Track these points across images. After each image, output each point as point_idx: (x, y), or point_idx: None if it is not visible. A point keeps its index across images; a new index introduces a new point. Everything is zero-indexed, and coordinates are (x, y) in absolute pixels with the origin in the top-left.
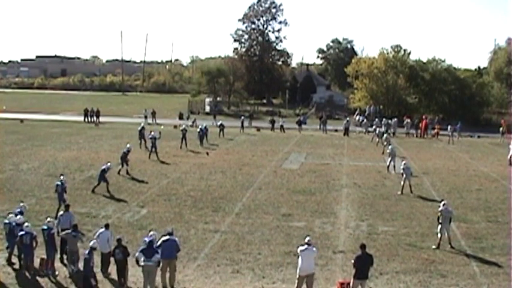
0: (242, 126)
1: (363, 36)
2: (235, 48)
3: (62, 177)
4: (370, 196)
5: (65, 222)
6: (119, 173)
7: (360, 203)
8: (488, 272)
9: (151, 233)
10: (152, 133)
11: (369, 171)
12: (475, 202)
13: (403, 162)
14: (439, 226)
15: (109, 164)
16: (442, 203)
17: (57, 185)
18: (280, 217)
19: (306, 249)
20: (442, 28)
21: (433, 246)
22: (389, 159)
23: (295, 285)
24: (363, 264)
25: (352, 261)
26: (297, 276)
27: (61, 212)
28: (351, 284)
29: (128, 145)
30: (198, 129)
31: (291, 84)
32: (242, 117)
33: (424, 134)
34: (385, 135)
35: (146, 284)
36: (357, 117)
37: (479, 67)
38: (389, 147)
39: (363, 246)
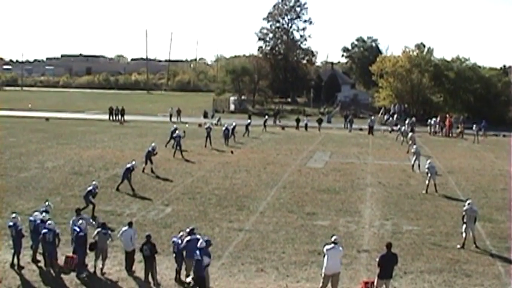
0: (265, 125)
1: (387, 34)
2: (260, 47)
3: (94, 182)
4: (395, 195)
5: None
6: (143, 171)
7: (384, 202)
8: None
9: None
10: (177, 131)
11: (394, 170)
12: (500, 202)
13: (428, 161)
14: (464, 226)
15: (134, 162)
16: (467, 202)
17: (89, 191)
18: (305, 216)
19: (332, 248)
20: (466, 26)
21: (458, 246)
22: (414, 158)
23: (321, 284)
24: (388, 264)
25: (377, 260)
26: (323, 275)
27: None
28: (375, 283)
29: (153, 144)
30: (224, 128)
31: (315, 82)
32: (266, 116)
33: (449, 133)
34: (410, 134)
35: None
36: (385, 117)
37: (504, 66)
38: (414, 146)
39: (389, 245)
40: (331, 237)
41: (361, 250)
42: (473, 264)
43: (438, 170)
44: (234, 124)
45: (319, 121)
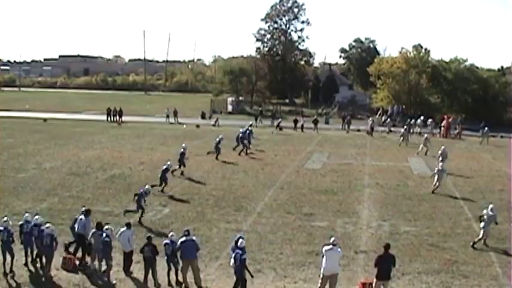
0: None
1: (385, 35)
2: (258, 48)
3: (146, 186)
4: (393, 196)
5: (81, 227)
6: (182, 173)
7: (382, 203)
8: (511, 273)
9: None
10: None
11: (392, 171)
12: (498, 203)
13: (440, 164)
14: (483, 224)
15: (169, 162)
16: (490, 207)
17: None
18: (302, 217)
19: (331, 249)
20: (464, 28)
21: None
22: (440, 159)
23: (319, 284)
24: (385, 265)
25: (374, 261)
26: (321, 275)
27: (81, 216)
28: (373, 284)
29: (184, 144)
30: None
31: (313, 83)
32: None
33: (447, 134)
34: (425, 135)
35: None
36: (382, 118)
37: (502, 67)
38: (442, 147)
39: (386, 246)
40: (330, 238)
41: (359, 251)
42: (470, 265)
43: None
44: (249, 127)
45: (316, 122)
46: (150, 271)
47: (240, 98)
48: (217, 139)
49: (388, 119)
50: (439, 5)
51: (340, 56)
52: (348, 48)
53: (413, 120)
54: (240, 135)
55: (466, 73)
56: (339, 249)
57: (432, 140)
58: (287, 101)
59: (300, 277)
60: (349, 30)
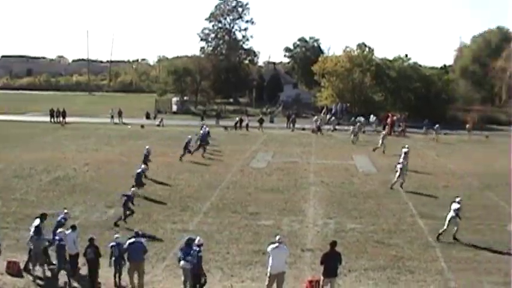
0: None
1: (329, 34)
2: (202, 47)
3: (133, 189)
4: (338, 194)
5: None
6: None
7: (327, 201)
8: (455, 267)
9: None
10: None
11: (337, 169)
12: (442, 199)
13: (401, 160)
14: (449, 217)
15: (143, 166)
16: (457, 200)
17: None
18: (248, 216)
19: (276, 247)
20: (408, 27)
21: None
22: (403, 156)
23: (266, 283)
24: (332, 262)
25: (320, 258)
26: (268, 274)
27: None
28: (320, 282)
29: (147, 146)
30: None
31: (258, 83)
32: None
33: (391, 132)
34: (383, 132)
35: (186, 285)
36: (327, 116)
37: (444, 65)
38: (406, 145)
39: (332, 244)
40: (275, 236)
41: (305, 249)
42: (416, 261)
43: (381, 168)
44: (206, 129)
45: (261, 121)
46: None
47: (185, 97)
48: (186, 140)
49: (333, 118)
50: (383, 4)
51: (285, 55)
52: (292, 47)
53: (357, 118)
54: (200, 136)
55: (409, 71)
56: (285, 247)
57: (376, 138)
58: (231, 100)
59: (247, 276)
60: (294, 29)
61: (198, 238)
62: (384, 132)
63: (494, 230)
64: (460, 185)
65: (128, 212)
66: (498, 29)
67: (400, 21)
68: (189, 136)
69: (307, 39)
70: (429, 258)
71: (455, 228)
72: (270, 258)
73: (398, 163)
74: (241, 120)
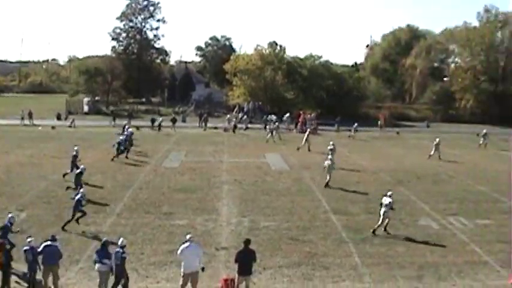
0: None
1: (241, 33)
2: (113, 47)
3: (82, 190)
4: (251, 192)
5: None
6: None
7: (241, 199)
8: (369, 262)
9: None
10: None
11: (249, 167)
12: (354, 195)
13: (329, 157)
14: (382, 211)
15: (82, 166)
16: (389, 193)
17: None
18: (162, 216)
19: (188, 246)
20: (319, 25)
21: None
22: (330, 153)
23: (180, 283)
24: (246, 260)
25: (235, 257)
26: (181, 274)
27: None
28: (235, 280)
29: (76, 147)
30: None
31: (169, 82)
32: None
33: (303, 129)
34: (308, 130)
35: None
36: (239, 115)
37: (356, 63)
38: (331, 142)
39: (247, 242)
40: (186, 235)
41: (220, 248)
42: (330, 257)
43: (293, 165)
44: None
45: (173, 120)
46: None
47: (96, 98)
48: (118, 140)
49: (245, 116)
50: (294, 2)
51: (196, 54)
52: (204, 46)
53: (268, 116)
54: (124, 138)
55: (321, 69)
56: (197, 245)
57: (289, 136)
58: (144, 100)
59: (162, 277)
60: (205, 28)
61: (121, 239)
62: (308, 130)
63: (407, 224)
64: (372, 181)
65: (79, 214)
66: (408, 27)
67: (311, 19)
68: (121, 137)
69: (219, 38)
70: (343, 253)
71: (387, 221)
72: (183, 257)
73: (326, 160)
74: (152, 120)
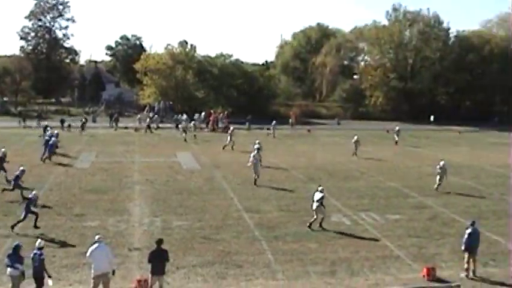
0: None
1: (151, 32)
2: (22, 47)
3: (34, 192)
4: (163, 192)
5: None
6: (6, 180)
7: (153, 199)
8: (282, 259)
9: None
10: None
11: (161, 167)
12: (266, 192)
13: (253, 154)
14: (315, 207)
15: (22, 168)
16: (319, 189)
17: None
18: (74, 217)
19: (97, 247)
20: (230, 24)
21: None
22: (256, 151)
23: (91, 286)
24: (159, 260)
25: (148, 257)
26: (92, 276)
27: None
28: (149, 281)
29: (3, 149)
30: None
31: (79, 82)
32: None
33: (214, 128)
34: (231, 128)
35: None
36: (150, 114)
37: (266, 61)
38: (257, 141)
39: (159, 242)
40: (95, 236)
41: (133, 248)
42: (243, 255)
43: (204, 164)
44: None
45: (82, 125)
46: None
47: (5, 98)
48: (51, 142)
49: (156, 116)
50: (204, 1)
51: (107, 54)
52: (114, 46)
53: (179, 116)
54: (50, 140)
55: (232, 68)
56: (106, 246)
57: (200, 135)
58: (53, 100)
59: (75, 279)
60: (115, 27)
61: (39, 241)
62: (231, 128)
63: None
64: (284, 178)
65: (29, 215)
66: (318, 26)
67: (222, 19)
68: (54, 138)
69: (129, 37)
70: (256, 251)
71: (322, 216)
72: (92, 259)
73: (251, 158)
74: (62, 121)
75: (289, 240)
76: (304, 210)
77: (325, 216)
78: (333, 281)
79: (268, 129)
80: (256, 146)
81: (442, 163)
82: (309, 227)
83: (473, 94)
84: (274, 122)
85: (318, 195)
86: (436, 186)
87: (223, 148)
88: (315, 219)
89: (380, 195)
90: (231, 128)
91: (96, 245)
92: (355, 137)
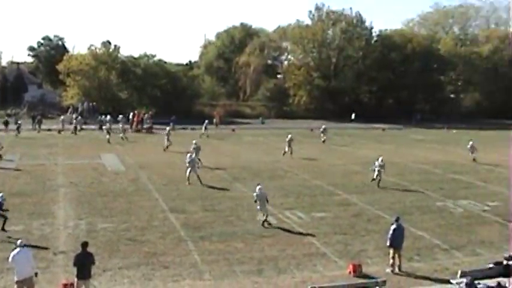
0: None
1: (74, 33)
2: None
3: (1, 193)
4: (88, 194)
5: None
6: None
7: (77, 202)
8: (208, 259)
9: None
10: None
11: (85, 169)
12: (191, 192)
13: (189, 154)
14: (258, 207)
15: None
16: (258, 187)
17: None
18: None
19: (19, 252)
20: (153, 24)
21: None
22: (194, 152)
23: None
24: (84, 263)
25: (73, 260)
26: (15, 281)
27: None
28: (75, 285)
29: None
30: None
31: (1, 84)
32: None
33: (138, 129)
34: (167, 128)
35: None
36: (73, 115)
37: (190, 61)
38: (194, 141)
39: (84, 244)
40: (17, 241)
41: (58, 252)
42: (170, 256)
43: (129, 166)
44: None
45: (5, 123)
46: None
47: None
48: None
49: (79, 117)
50: (126, 2)
51: (29, 55)
52: (36, 46)
53: (103, 117)
54: None
55: (155, 68)
56: (28, 250)
57: (124, 136)
58: None
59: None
60: (37, 28)
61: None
62: (168, 129)
63: (245, 220)
64: (208, 178)
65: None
66: (241, 26)
67: (145, 19)
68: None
69: (52, 37)
70: (182, 252)
71: (264, 214)
72: (14, 264)
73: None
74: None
75: (215, 240)
76: (230, 210)
77: (267, 215)
78: (260, 280)
79: (205, 128)
80: (193, 147)
81: (380, 159)
82: (263, 224)
83: (396, 92)
84: (206, 121)
85: (255, 193)
86: (372, 179)
87: (164, 150)
88: (266, 216)
89: (305, 193)
90: (167, 128)
91: (18, 249)
92: (289, 136)
